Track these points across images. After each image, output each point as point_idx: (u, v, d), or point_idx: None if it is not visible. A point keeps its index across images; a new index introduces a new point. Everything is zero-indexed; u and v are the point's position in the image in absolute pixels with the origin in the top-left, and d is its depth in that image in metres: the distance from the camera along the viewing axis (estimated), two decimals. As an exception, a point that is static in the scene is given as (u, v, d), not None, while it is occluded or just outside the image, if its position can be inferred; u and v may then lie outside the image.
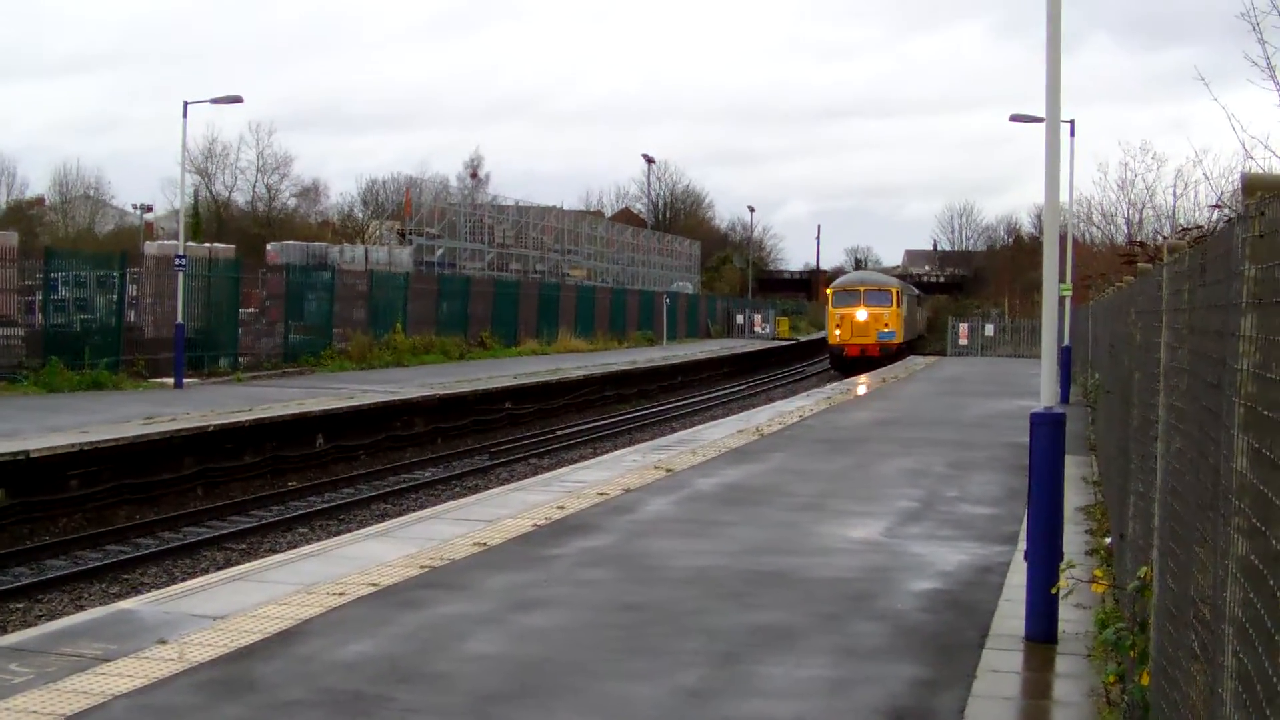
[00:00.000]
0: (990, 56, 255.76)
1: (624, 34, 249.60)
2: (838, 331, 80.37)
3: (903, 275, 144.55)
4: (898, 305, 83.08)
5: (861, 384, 56.24)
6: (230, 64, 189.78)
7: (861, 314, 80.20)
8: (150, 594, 14.69)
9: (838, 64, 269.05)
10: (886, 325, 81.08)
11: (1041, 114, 14.35)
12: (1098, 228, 76.82)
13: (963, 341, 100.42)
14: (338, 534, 21.99)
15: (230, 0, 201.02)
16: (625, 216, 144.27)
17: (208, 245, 63.57)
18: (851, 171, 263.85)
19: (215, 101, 46.34)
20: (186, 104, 45.15)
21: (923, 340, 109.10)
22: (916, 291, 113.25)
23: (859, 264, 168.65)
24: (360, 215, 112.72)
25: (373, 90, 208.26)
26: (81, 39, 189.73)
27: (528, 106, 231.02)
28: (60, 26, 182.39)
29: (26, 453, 25.43)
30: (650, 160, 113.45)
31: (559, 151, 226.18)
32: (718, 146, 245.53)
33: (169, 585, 16.03)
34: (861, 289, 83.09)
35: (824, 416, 38.99)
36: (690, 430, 36.11)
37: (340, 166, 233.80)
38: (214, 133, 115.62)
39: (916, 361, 79.23)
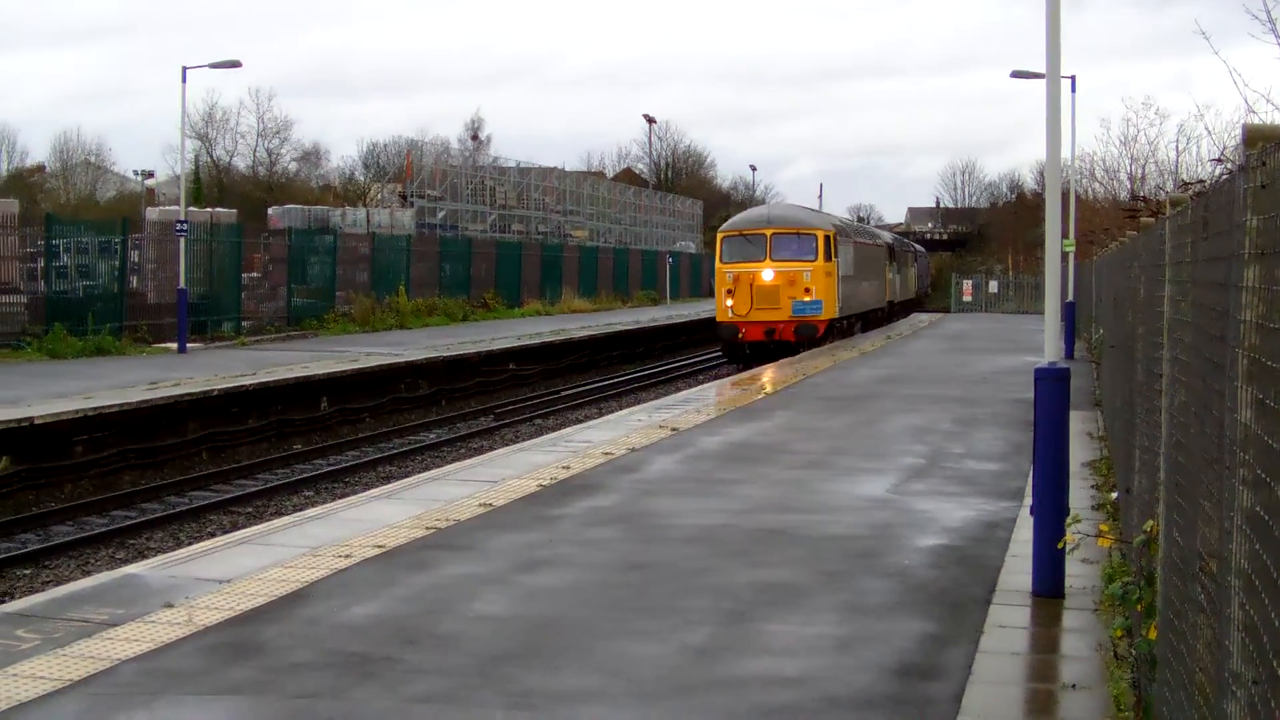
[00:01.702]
0: (994, 14, 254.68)
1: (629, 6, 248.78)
2: (730, 303, 51.62)
3: (905, 232, 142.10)
4: (828, 258, 52.68)
5: (867, 342, 56.28)
6: (233, 31, 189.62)
7: (766, 274, 51.55)
8: (156, 558, 14.72)
9: (840, 24, 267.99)
10: (808, 292, 51.74)
11: (1043, 70, 14.31)
12: (1100, 183, 76.57)
13: (966, 298, 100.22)
14: (343, 496, 21.96)
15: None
16: (627, 177, 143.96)
17: (209, 210, 63.60)
18: (855, 131, 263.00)
19: (214, 66, 46.36)
20: (185, 69, 45.20)
21: (916, 303, 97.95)
22: (903, 245, 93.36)
23: (861, 219, 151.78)
24: (361, 179, 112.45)
25: (373, 55, 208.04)
26: (84, 8, 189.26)
27: (529, 70, 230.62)
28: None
29: (31, 419, 25.45)
30: (651, 120, 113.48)
31: (560, 114, 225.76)
32: (720, 107, 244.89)
33: (175, 549, 16.04)
34: (768, 233, 52.21)
35: (829, 374, 38.95)
36: (695, 389, 36.14)
37: (342, 131, 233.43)
38: (214, 99, 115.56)
39: (920, 319, 79.34)
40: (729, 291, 51.55)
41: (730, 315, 51.41)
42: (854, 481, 19.76)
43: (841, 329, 56.54)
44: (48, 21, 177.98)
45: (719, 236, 53.93)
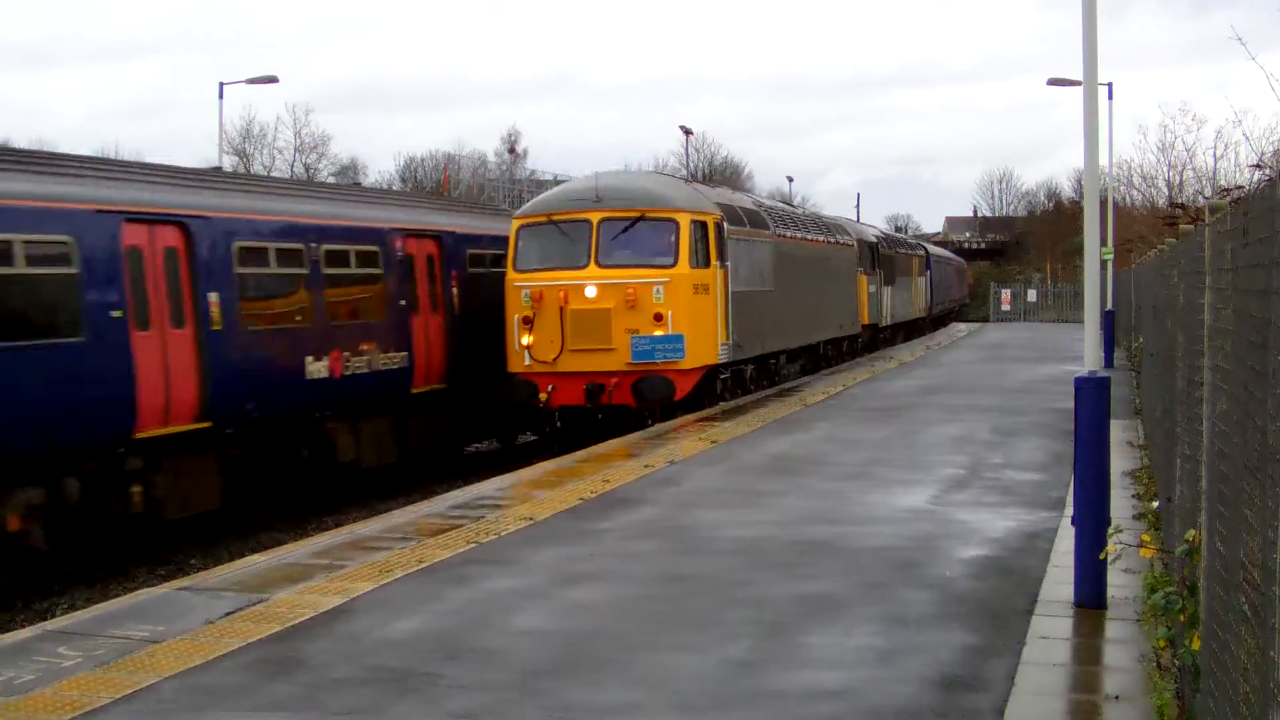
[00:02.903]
0: (1029, 23, 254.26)
1: (661, 8, 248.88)
2: (525, 341, 30.63)
3: (943, 241, 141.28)
4: (704, 260, 32.06)
5: (903, 352, 56.17)
6: (270, 47, 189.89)
7: (589, 289, 30.61)
8: (196, 575, 14.74)
9: (877, 34, 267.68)
10: (660, 321, 30.57)
11: (1080, 78, 14.27)
12: (1138, 190, 76.32)
13: (1005, 307, 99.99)
14: (386, 511, 21.99)
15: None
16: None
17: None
18: (892, 141, 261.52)
19: (251, 82, 46.71)
20: (222, 85, 45.85)
21: (940, 321, 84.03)
22: (899, 246, 69.90)
23: (899, 229, 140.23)
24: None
25: (411, 69, 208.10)
26: (123, 25, 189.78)
27: (565, 83, 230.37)
28: (103, 14, 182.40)
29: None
30: (688, 132, 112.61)
31: (597, 126, 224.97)
32: (758, 118, 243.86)
33: (216, 566, 16.08)
34: (594, 218, 31.22)
35: (868, 385, 38.98)
36: (736, 400, 36.12)
37: (379, 146, 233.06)
38: (252, 114, 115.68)
39: (959, 328, 79.16)
40: (524, 321, 30.35)
41: (526, 362, 30.40)
42: (894, 493, 19.71)
43: (738, 380, 35.38)
44: (87, 39, 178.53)
45: (514, 225, 31.94)
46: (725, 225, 32.82)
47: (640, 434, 27.60)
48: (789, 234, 40.18)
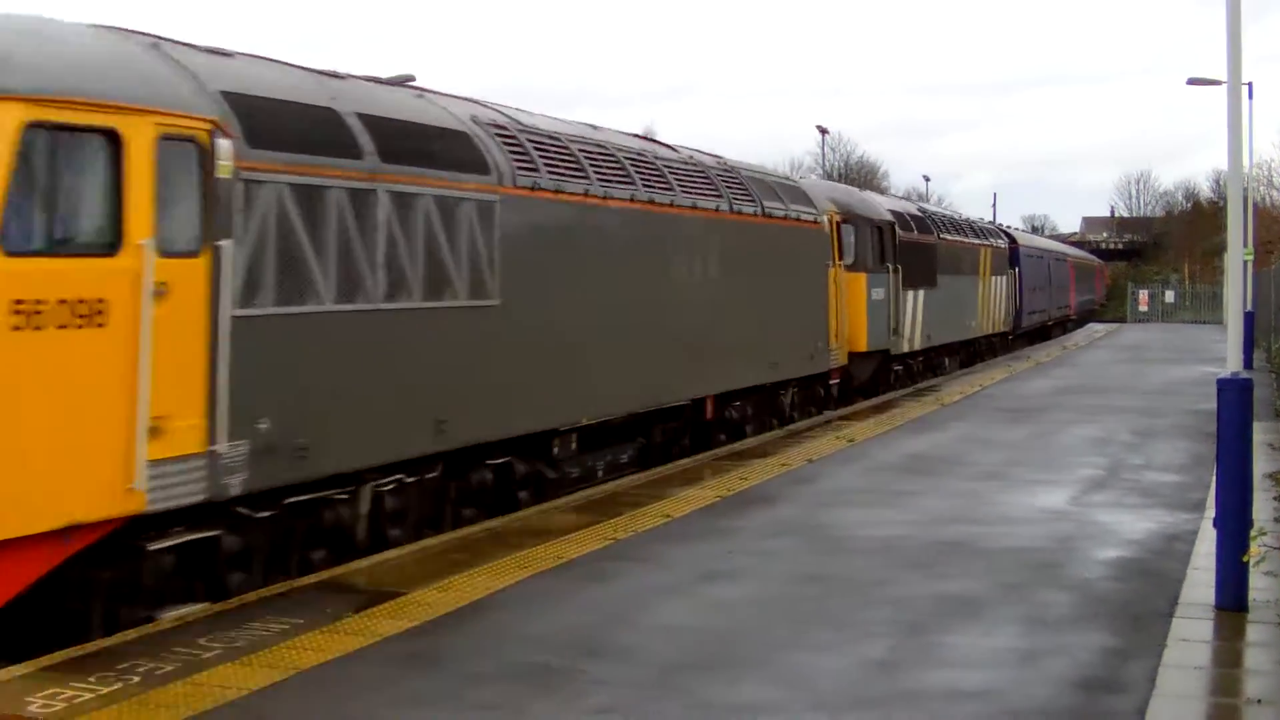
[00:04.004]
0: (1167, 23, 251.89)
1: (798, 9, 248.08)
2: None
3: (1080, 242, 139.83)
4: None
5: (1042, 353, 55.55)
6: (407, 45, 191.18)
7: None
8: (337, 568, 14.86)
9: (1013, 34, 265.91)
10: None
11: (1220, 77, 14.15)
12: (1279, 191, 75.41)
13: (1143, 308, 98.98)
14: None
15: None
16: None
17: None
18: (1028, 141, 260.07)
19: (387, 82, 47.11)
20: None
21: (1018, 339, 61.31)
22: (942, 226, 47.02)
23: (1035, 230, 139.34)
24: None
25: (549, 70, 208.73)
26: (247, 28, 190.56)
27: (701, 84, 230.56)
28: (234, 21, 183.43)
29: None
30: (824, 131, 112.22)
31: (733, 127, 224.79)
32: (893, 119, 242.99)
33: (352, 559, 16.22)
34: None
35: (1004, 385, 38.74)
36: (870, 401, 36.00)
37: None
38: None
39: (1096, 329, 78.14)
40: None
41: None
42: (1032, 493, 19.62)
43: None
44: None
45: None
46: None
47: (777, 433, 27.73)
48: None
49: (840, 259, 32.84)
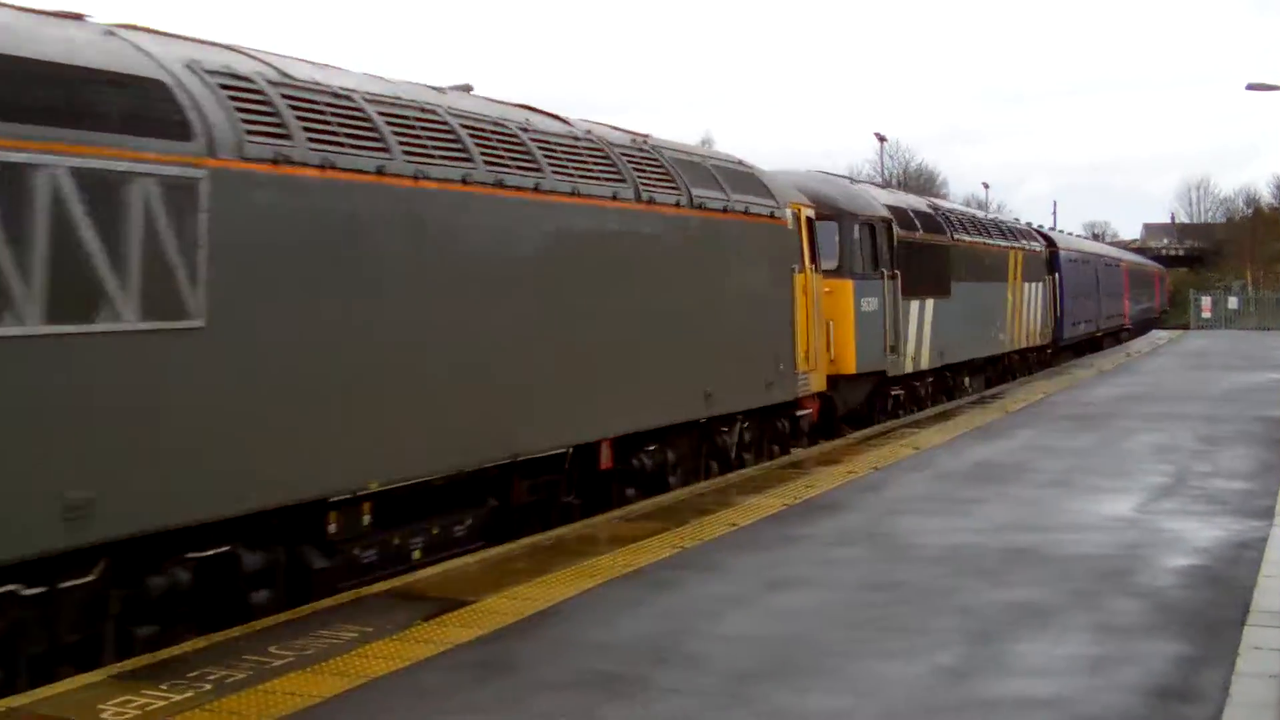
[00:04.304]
0: (1226, 30, 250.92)
1: (855, 13, 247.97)
2: None
3: (1141, 249, 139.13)
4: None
5: (1105, 360, 55.25)
6: (467, 53, 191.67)
7: None
8: (405, 577, 14.90)
9: (1072, 39, 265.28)
10: None
11: (1279, 82, 14.01)
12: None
13: (1205, 315, 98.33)
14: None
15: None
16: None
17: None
18: (1087, 147, 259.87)
19: (452, 90, 47.42)
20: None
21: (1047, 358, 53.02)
22: (952, 222, 40.77)
23: (1095, 236, 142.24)
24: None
25: (602, 74, 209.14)
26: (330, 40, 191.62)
27: (758, 89, 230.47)
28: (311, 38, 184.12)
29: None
30: (882, 139, 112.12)
31: (790, 133, 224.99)
32: (952, 125, 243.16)
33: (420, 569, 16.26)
34: None
35: (1068, 393, 38.57)
36: (938, 407, 35.94)
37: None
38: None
39: (1159, 336, 77.64)
40: None
41: None
42: (1098, 500, 19.51)
43: None
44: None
45: None
46: None
47: (843, 440, 27.72)
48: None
49: (812, 262, 26.98)
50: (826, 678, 10.93)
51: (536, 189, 17.56)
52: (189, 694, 10.49)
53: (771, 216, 24.94)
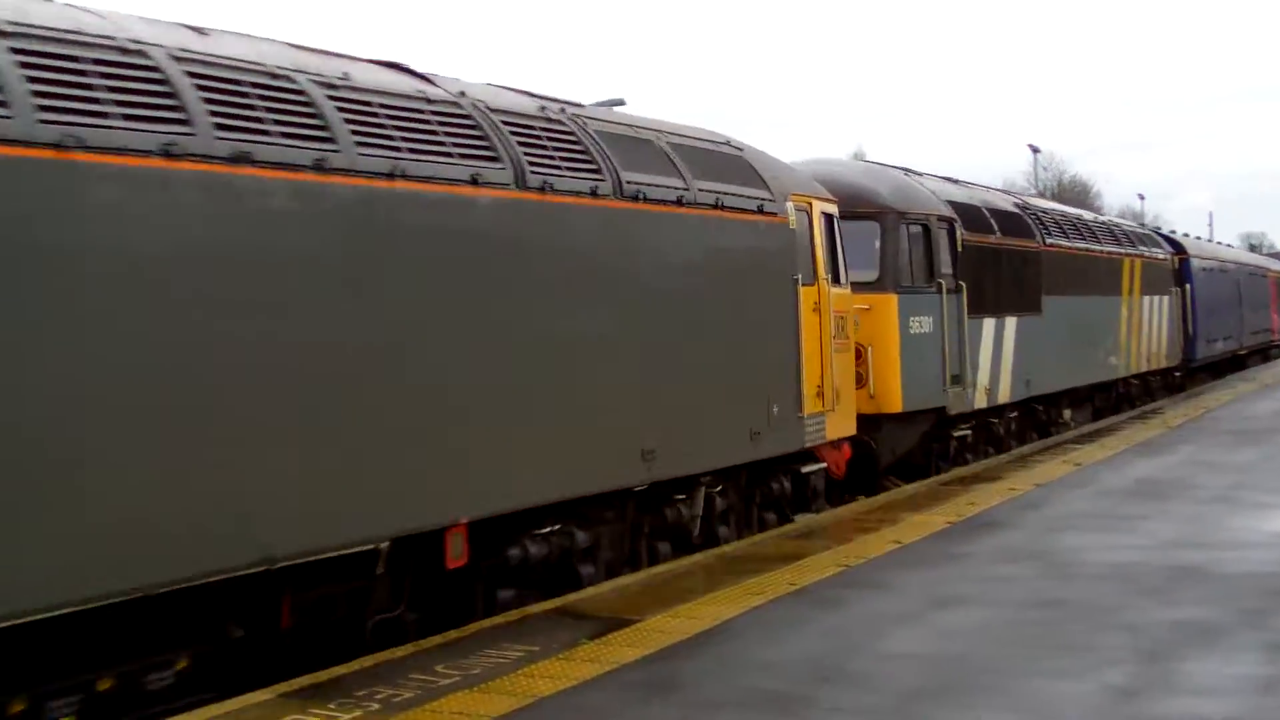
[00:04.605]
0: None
1: (1010, 23, 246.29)
2: None
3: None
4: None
5: (1267, 374, 54.45)
6: (614, 70, 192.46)
7: None
8: (569, 596, 15.01)
9: (1231, 47, 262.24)
10: None
11: None
12: None
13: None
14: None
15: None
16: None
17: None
18: (1248, 157, 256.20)
19: (599, 105, 47.76)
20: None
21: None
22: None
23: (1252, 248, 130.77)
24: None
25: (753, 91, 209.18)
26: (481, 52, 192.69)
27: (908, 102, 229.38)
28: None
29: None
30: (1036, 150, 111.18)
31: (942, 145, 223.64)
32: (1107, 135, 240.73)
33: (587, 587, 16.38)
34: None
35: (1231, 408, 38.11)
36: (1102, 421, 35.66)
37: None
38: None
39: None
40: None
41: None
42: (1264, 517, 19.26)
43: None
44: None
45: None
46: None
47: (1004, 457, 27.50)
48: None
49: (833, 271, 21.27)
50: (995, 696, 10.89)
51: (319, 168, 12.02)
52: (356, 713, 10.65)
53: (760, 211, 19.05)
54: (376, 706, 10.78)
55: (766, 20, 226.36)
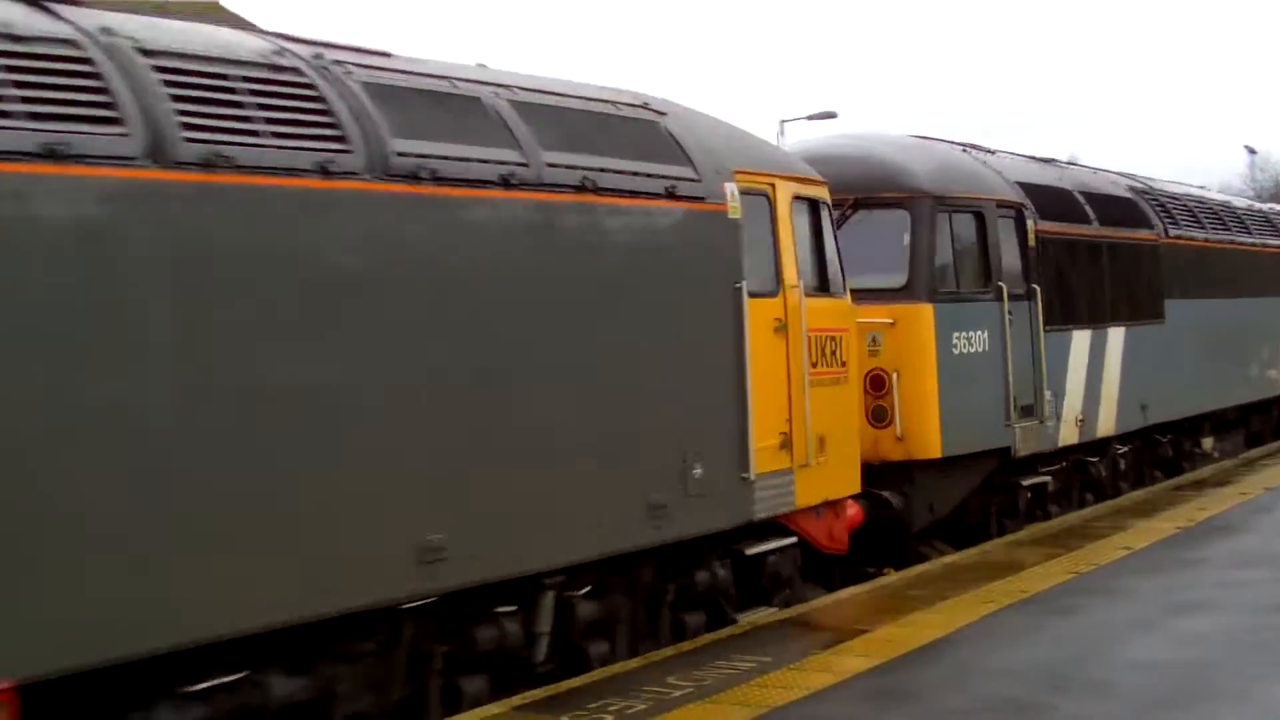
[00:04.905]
0: None
1: (1217, 16, 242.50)
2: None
3: None
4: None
5: None
6: (825, 82, 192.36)
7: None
8: (798, 606, 14.94)
9: None
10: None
11: None
12: None
13: None
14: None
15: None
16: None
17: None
18: None
19: (811, 118, 48.59)
20: (782, 122, 46.64)
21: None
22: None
23: None
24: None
25: (961, 97, 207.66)
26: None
27: (1120, 109, 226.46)
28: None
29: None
30: (1252, 151, 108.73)
31: (1154, 147, 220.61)
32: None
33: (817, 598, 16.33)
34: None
35: None
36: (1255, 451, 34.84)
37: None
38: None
39: None
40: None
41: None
42: None
43: None
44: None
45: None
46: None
47: (1234, 460, 26.97)
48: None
49: (799, 278, 15.03)
50: (1237, 704, 10.68)
51: None
52: (590, 724, 10.67)
53: (670, 195, 13.36)
54: (609, 719, 10.80)
55: (987, 28, 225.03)
